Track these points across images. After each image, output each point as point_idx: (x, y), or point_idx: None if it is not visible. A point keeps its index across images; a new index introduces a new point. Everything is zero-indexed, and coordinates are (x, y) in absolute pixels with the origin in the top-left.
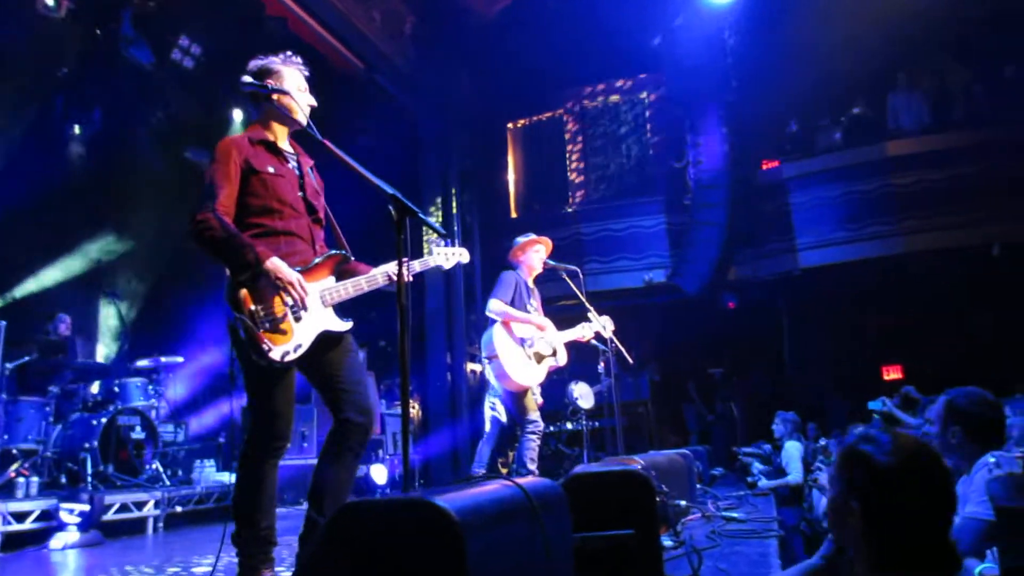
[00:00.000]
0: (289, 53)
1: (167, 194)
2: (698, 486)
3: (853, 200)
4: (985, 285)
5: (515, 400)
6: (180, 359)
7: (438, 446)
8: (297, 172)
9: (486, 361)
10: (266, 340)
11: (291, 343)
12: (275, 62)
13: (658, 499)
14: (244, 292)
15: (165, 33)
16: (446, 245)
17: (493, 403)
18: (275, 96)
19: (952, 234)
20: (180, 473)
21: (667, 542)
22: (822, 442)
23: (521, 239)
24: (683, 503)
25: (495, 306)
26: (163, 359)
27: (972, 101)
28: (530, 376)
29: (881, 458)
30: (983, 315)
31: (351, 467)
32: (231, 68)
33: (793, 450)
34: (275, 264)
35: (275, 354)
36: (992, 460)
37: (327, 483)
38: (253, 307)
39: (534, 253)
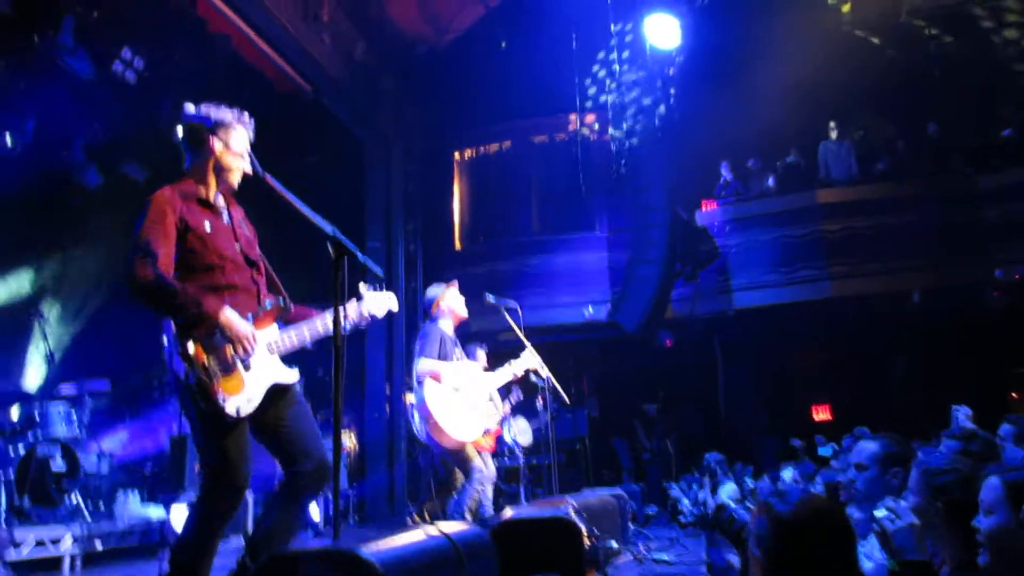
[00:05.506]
0: (244, 112)
1: (101, 211)
2: (631, 526)
3: (785, 244)
4: (906, 329)
5: (457, 455)
6: (108, 384)
7: (375, 478)
8: (230, 225)
9: (425, 424)
10: (221, 392)
11: (243, 395)
12: (228, 115)
13: (587, 542)
14: (197, 346)
15: (107, 44)
16: (375, 289)
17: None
18: (216, 149)
19: (876, 280)
20: (102, 506)
21: None
22: (749, 484)
23: (434, 290)
24: (614, 545)
25: (424, 366)
26: (89, 384)
27: (894, 155)
28: (470, 429)
29: (781, 508)
30: (905, 357)
31: (297, 517)
32: (174, 84)
33: (730, 491)
34: (228, 318)
35: (230, 407)
36: (884, 512)
37: (268, 532)
38: (206, 361)
39: (455, 300)
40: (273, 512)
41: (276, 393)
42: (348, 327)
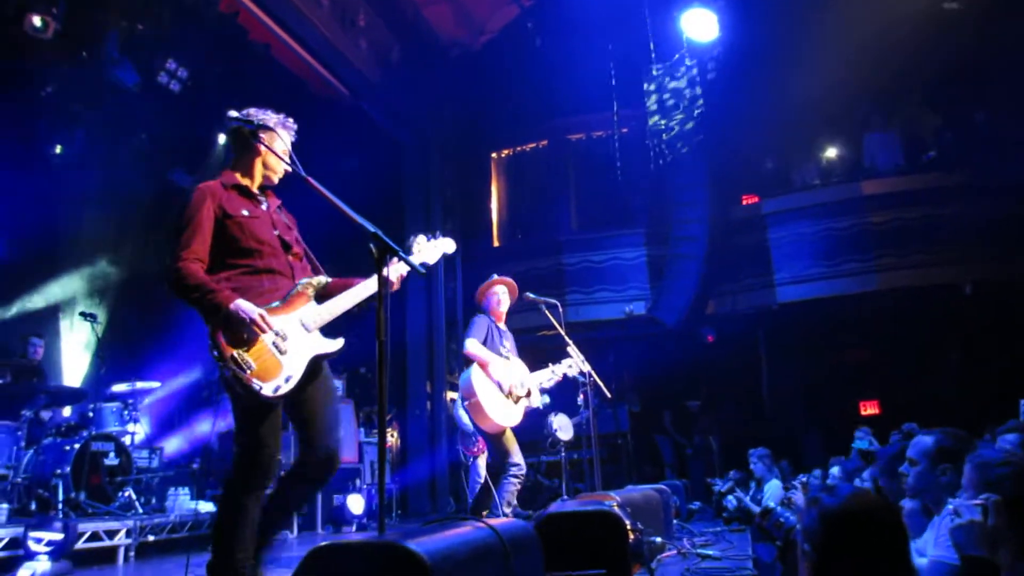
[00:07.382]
0: (288, 117)
1: (149, 216)
2: (675, 521)
3: (830, 237)
4: (958, 322)
5: (495, 442)
6: (157, 384)
7: (417, 474)
8: (268, 212)
9: (464, 403)
10: (254, 380)
11: (281, 376)
12: (272, 119)
13: (632, 537)
14: (222, 340)
15: (152, 56)
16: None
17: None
18: (261, 150)
19: (926, 272)
20: (154, 501)
21: None
22: (802, 478)
23: (480, 287)
24: (659, 540)
25: (472, 347)
26: (139, 384)
27: (942, 145)
28: (508, 417)
29: (830, 502)
30: (956, 351)
31: (297, 502)
32: (217, 92)
33: (775, 489)
34: (237, 304)
35: (267, 390)
36: (951, 507)
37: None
38: (234, 352)
39: (492, 296)
40: (280, 492)
41: (316, 369)
42: (399, 280)
